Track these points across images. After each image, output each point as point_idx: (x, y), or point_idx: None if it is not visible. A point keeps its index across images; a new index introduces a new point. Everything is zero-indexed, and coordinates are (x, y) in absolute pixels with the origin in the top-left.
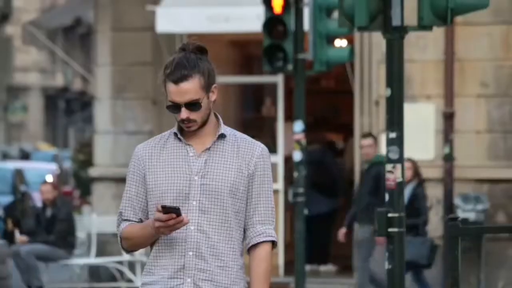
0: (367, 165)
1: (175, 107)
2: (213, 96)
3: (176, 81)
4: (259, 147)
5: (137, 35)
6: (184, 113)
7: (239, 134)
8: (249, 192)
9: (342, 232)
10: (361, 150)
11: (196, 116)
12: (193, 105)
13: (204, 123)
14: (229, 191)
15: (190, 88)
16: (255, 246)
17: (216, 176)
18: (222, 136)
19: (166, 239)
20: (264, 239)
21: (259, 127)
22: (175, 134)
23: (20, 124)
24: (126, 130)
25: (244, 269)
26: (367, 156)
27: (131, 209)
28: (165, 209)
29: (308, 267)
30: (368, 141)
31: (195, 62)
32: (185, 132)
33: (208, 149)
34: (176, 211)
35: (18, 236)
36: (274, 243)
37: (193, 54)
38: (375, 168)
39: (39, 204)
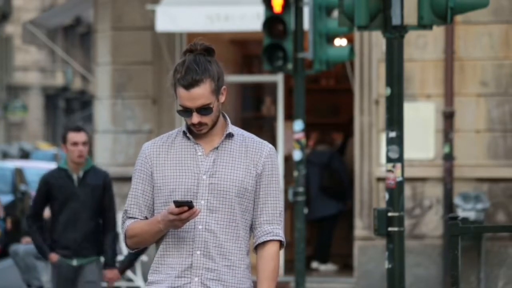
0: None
1: (186, 112)
2: (222, 98)
3: (187, 87)
4: (267, 147)
5: (137, 34)
6: (196, 118)
7: (247, 134)
8: (257, 192)
9: None
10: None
11: (207, 119)
12: (204, 110)
13: (213, 125)
14: (237, 191)
15: (201, 94)
16: (262, 244)
17: (225, 176)
18: (229, 136)
19: (173, 238)
20: (271, 238)
21: (259, 126)
22: (184, 132)
23: (20, 123)
24: (126, 129)
25: (250, 268)
26: (81, 157)
27: (136, 207)
28: (177, 203)
29: (315, 264)
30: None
31: (205, 66)
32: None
33: (216, 148)
34: (188, 204)
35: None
36: (281, 243)
37: (202, 56)
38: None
39: None
